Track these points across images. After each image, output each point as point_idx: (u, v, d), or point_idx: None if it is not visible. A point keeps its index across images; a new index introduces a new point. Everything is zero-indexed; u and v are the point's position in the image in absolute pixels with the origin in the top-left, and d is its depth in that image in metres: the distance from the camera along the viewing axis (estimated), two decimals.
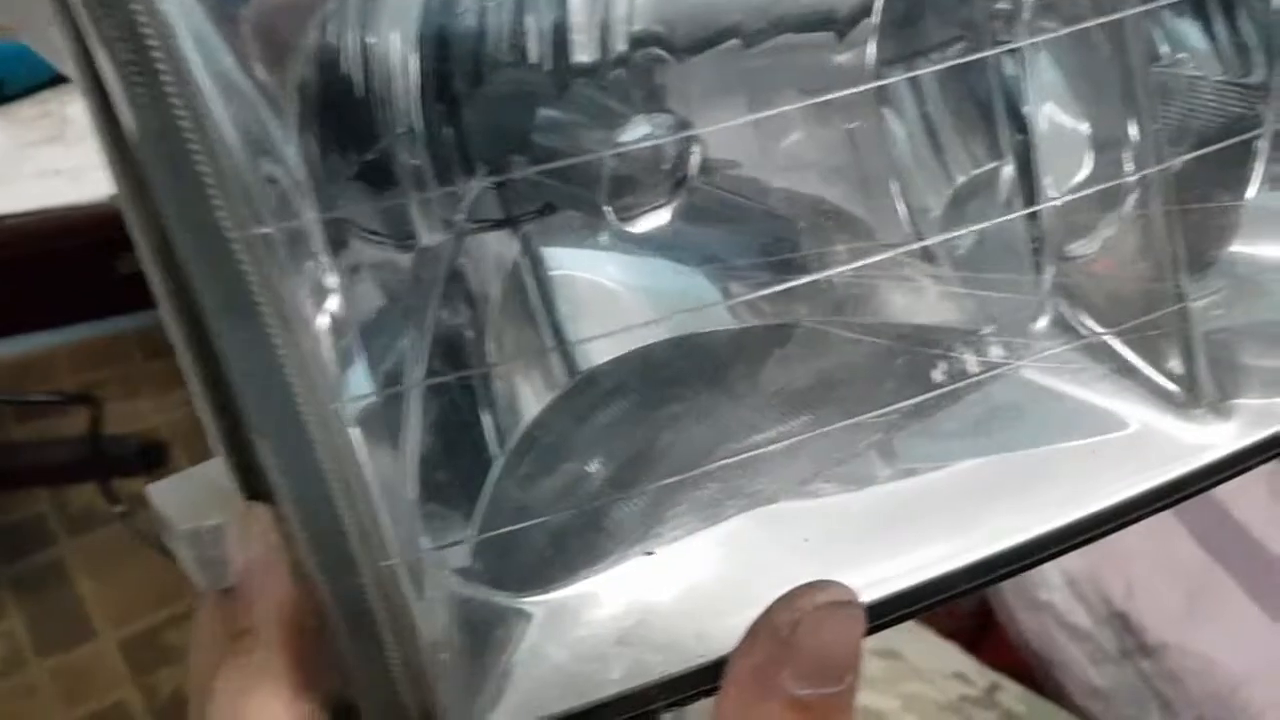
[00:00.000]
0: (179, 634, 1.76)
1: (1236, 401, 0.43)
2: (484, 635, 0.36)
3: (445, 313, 0.40)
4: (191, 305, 0.33)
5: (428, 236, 0.44)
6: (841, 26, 0.42)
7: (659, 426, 0.38)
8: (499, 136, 0.46)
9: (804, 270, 0.40)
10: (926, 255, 0.48)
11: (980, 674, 1.24)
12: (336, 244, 0.38)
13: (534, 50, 0.45)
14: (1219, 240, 0.47)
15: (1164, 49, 0.53)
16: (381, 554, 0.33)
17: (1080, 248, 0.43)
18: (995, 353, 0.40)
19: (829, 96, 0.40)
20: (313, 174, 0.32)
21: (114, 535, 1.83)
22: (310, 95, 0.37)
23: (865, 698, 1.14)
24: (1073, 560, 1.25)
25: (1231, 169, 0.48)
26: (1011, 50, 0.43)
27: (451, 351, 0.39)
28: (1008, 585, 1.30)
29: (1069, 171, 0.45)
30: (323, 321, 0.32)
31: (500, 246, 0.43)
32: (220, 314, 0.31)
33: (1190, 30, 0.54)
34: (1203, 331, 0.43)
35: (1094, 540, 0.41)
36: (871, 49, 0.42)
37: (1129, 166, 0.41)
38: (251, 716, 0.34)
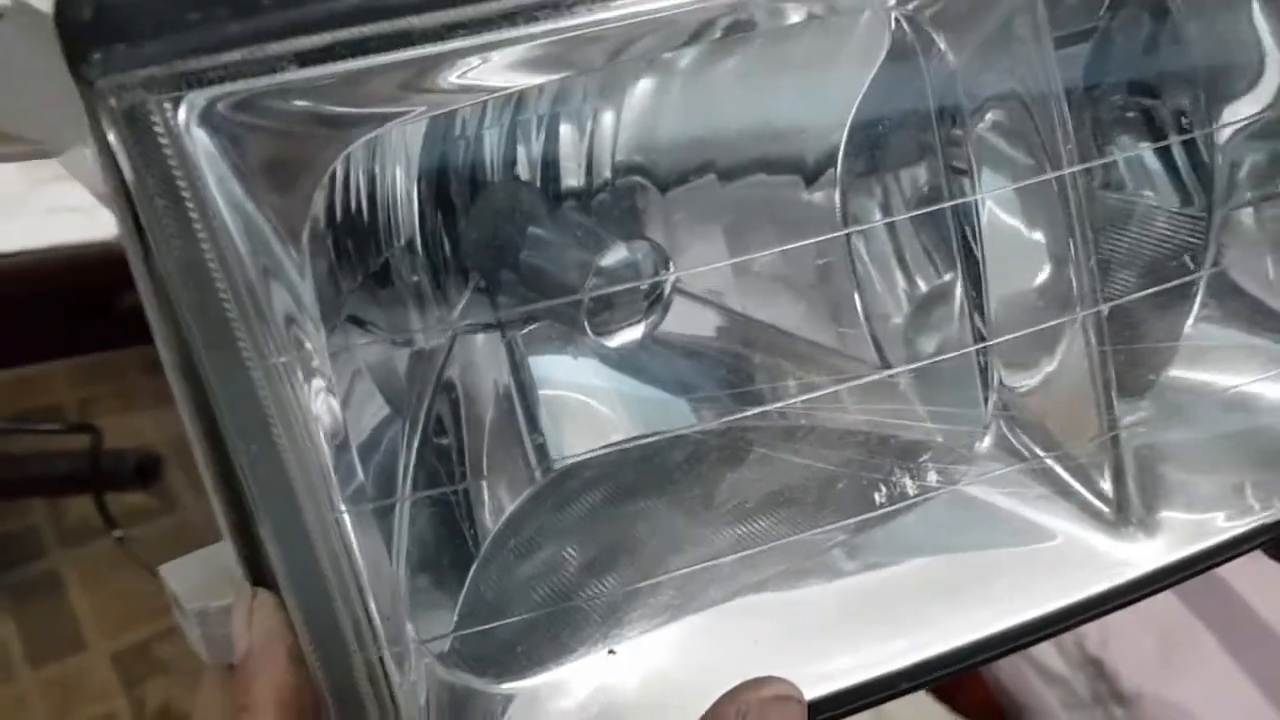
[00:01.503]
0: (170, 647, 1.78)
1: (1163, 518, 0.46)
2: (461, 716, 0.39)
3: (436, 421, 0.44)
4: (208, 411, 0.37)
5: (425, 339, 0.48)
6: (809, 174, 0.46)
7: (622, 528, 0.42)
8: (492, 248, 0.50)
9: (758, 400, 0.43)
10: (885, 365, 0.52)
11: None
12: (341, 350, 0.43)
13: (524, 171, 0.50)
14: (1158, 365, 0.51)
15: (1126, 176, 0.58)
16: (371, 644, 0.37)
17: (1022, 380, 0.46)
18: (932, 477, 0.44)
19: (797, 244, 0.44)
20: (322, 302, 0.36)
21: (108, 549, 1.86)
22: (321, 220, 0.41)
23: None
24: None
25: (1174, 299, 0.52)
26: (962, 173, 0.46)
27: (441, 456, 0.43)
28: None
29: (1025, 278, 0.48)
30: (326, 437, 0.35)
31: (489, 356, 0.47)
32: (234, 426, 0.35)
33: (1151, 160, 0.57)
34: (1133, 449, 0.47)
35: (1026, 646, 0.44)
36: (836, 197, 0.46)
37: (1068, 302, 0.45)
38: None
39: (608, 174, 0.49)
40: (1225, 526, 0.47)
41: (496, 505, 0.43)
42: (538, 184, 0.50)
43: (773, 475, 0.43)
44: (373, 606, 0.36)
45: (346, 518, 0.36)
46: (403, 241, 0.48)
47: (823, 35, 0.47)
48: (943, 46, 0.44)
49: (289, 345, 0.34)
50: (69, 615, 1.86)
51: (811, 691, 0.40)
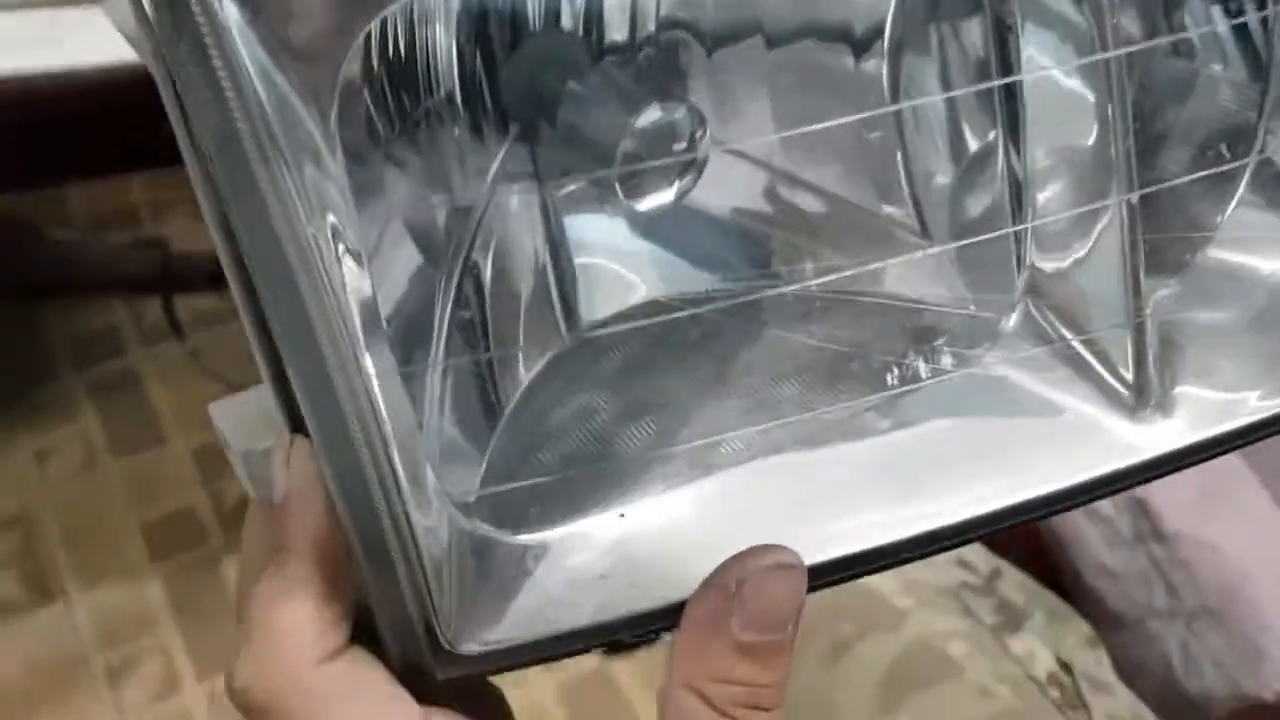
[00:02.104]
0: None
1: (1183, 400, 0.47)
2: (481, 563, 0.42)
3: (473, 281, 0.45)
4: (243, 263, 0.38)
5: (463, 193, 0.49)
6: (857, 42, 0.46)
7: (635, 400, 0.44)
8: (531, 99, 0.50)
9: (775, 279, 0.44)
10: (924, 231, 0.52)
11: (985, 560, 1.29)
12: (375, 204, 0.44)
13: (568, 21, 0.49)
14: (1195, 244, 0.50)
15: (1197, 41, 0.55)
16: (397, 499, 0.39)
17: (1052, 261, 0.46)
18: (946, 360, 0.45)
19: (843, 120, 0.44)
20: (359, 159, 0.36)
21: (185, 351, 1.93)
22: (357, 78, 0.42)
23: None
24: None
25: (1220, 180, 0.51)
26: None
27: (473, 321, 0.45)
28: None
29: (1067, 149, 0.48)
30: (355, 305, 0.37)
31: (524, 215, 0.48)
32: (266, 290, 0.37)
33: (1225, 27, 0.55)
34: (1159, 330, 0.47)
35: (1035, 519, 0.46)
36: (884, 68, 0.45)
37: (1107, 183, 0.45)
38: (284, 619, 0.41)
39: (652, 28, 0.49)
40: (1253, 408, 0.47)
41: (525, 368, 0.45)
42: (580, 34, 0.50)
43: (785, 355, 0.44)
44: (399, 465, 0.38)
45: (374, 382, 0.37)
46: (443, 93, 0.48)
47: None
48: None
49: (317, 215, 0.36)
50: (150, 411, 1.94)
51: (823, 554, 0.42)
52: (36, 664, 1.64)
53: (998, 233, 0.45)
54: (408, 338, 0.41)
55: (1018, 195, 0.49)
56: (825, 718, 0.94)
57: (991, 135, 0.50)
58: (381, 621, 0.41)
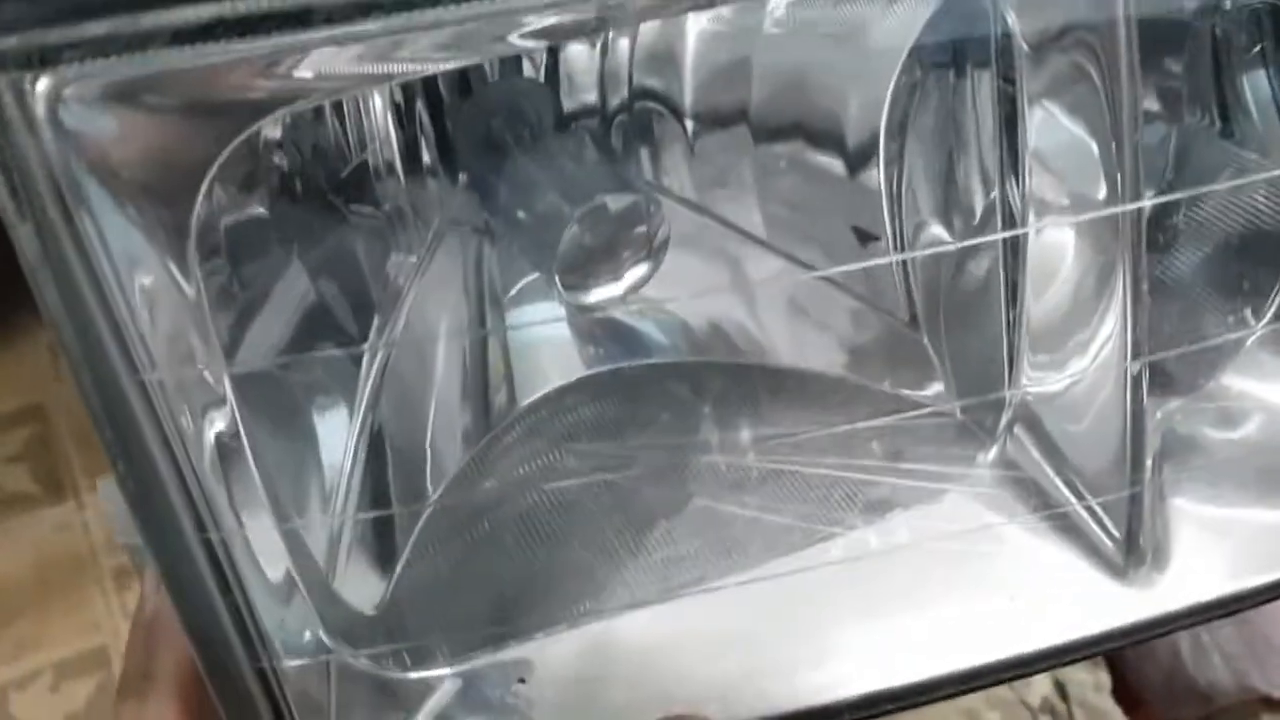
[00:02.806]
0: None
1: (1178, 562, 0.41)
2: (361, 708, 0.38)
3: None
4: None
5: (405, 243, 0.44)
6: (850, 155, 0.40)
7: (538, 561, 0.39)
8: (483, 152, 0.44)
9: (705, 446, 0.39)
10: (914, 322, 0.47)
11: None
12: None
13: (529, 68, 0.44)
14: (1208, 368, 0.44)
15: (1255, 112, 0.48)
16: (263, 653, 0.35)
17: (1048, 373, 0.40)
18: (902, 535, 0.39)
19: (852, 267, 0.38)
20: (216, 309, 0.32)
21: None
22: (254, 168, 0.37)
23: None
24: None
25: (1241, 293, 0.45)
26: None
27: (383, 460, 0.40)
28: None
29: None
30: (210, 455, 0.32)
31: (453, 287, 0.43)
32: (106, 436, 0.32)
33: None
34: (1157, 481, 0.41)
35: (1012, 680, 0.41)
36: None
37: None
38: None
39: (625, 94, 0.43)
40: (1250, 574, 0.41)
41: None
42: (542, 82, 0.44)
43: (712, 526, 0.39)
44: (263, 620, 0.34)
45: (238, 537, 0.33)
46: (378, 149, 0.43)
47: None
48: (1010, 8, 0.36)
49: (169, 360, 0.31)
50: None
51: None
52: (46, 558, 1.64)
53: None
54: (297, 491, 0.37)
55: (1014, 294, 0.43)
56: None
57: (990, 216, 0.44)
58: None
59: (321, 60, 0.29)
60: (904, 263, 0.47)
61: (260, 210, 0.36)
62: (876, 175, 0.41)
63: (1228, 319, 0.44)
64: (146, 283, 0.30)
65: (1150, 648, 1.22)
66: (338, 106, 0.41)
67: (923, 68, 0.43)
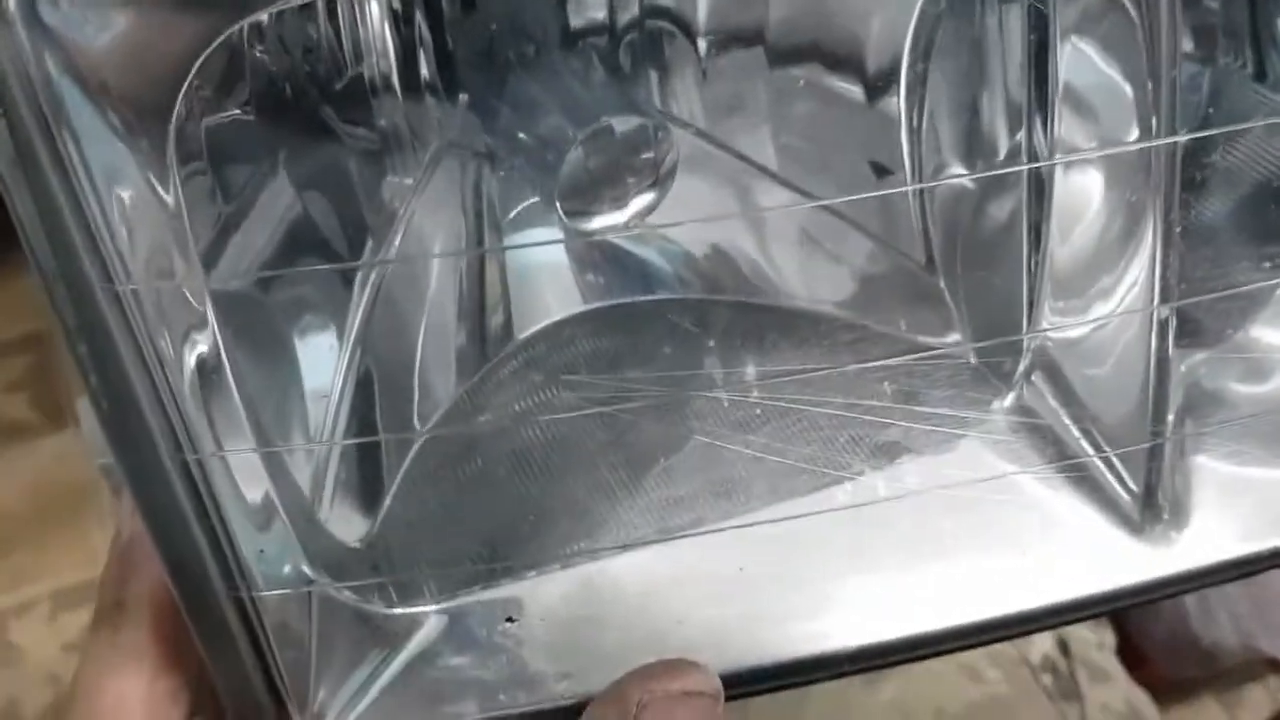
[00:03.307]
0: None
1: (1199, 520, 0.40)
2: (345, 640, 0.37)
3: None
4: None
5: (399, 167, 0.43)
6: (869, 80, 0.38)
7: (533, 496, 0.38)
8: (485, 68, 0.42)
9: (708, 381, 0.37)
10: (930, 264, 0.45)
11: None
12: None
13: None
14: (1238, 317, 0.43)
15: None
16: (241, 583, 0.33)
17: (1069, 323, 0.39)
18: (911, 481, 0.38)
19: (862, 196, 0.36)
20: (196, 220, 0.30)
21: None
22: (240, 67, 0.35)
23: None
24: None
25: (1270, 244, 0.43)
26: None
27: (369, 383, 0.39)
28: None
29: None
30: (190, 372, 0.31)
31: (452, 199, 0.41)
32: (81, 350, 0.30)
33: None
34: (1178, 439, 0.40)
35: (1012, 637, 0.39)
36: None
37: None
38: (111, 692, 0.36)
39: (635, 11, 0.41)
40: (1271, 535, 0.40)
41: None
42: (549, 3, 0.42)
43: (713, 465, 0.38)
44: (242, 548, 0.33)
45: (217, 459, 0.31)
46: (374, 62, 0.41)
47: None
48: None
49: (146, 272, 0.29)
50: None
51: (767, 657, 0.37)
52: (45, 487, 1.64)
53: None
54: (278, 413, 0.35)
55: (1038, 237, 0.41)
56: (799, 693, 0.90)
57: (1016, 141, 0.42)
58: (224, 693, 0.36)
59: None
60: (922, 202, 0.45)
61: (245, 116, 0.34)
62: (897, 104, 0.39)
63: (1262, 265, 0.42)
64: (123, 188, 0.29)
65: (1156, 607, 1.21)
66: (332, 13, 0.39)
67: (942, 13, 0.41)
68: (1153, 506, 0.38)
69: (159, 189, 0.29)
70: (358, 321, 0.39)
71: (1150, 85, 0.36)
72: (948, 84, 0.42)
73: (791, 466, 0.37)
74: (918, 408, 0.39)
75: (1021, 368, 0.40)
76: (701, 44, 0.40)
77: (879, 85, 0.39)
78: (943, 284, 0.44)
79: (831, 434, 0.38)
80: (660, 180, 0.40)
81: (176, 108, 0.28)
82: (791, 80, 0.39)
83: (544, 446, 0.38)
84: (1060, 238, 0.40)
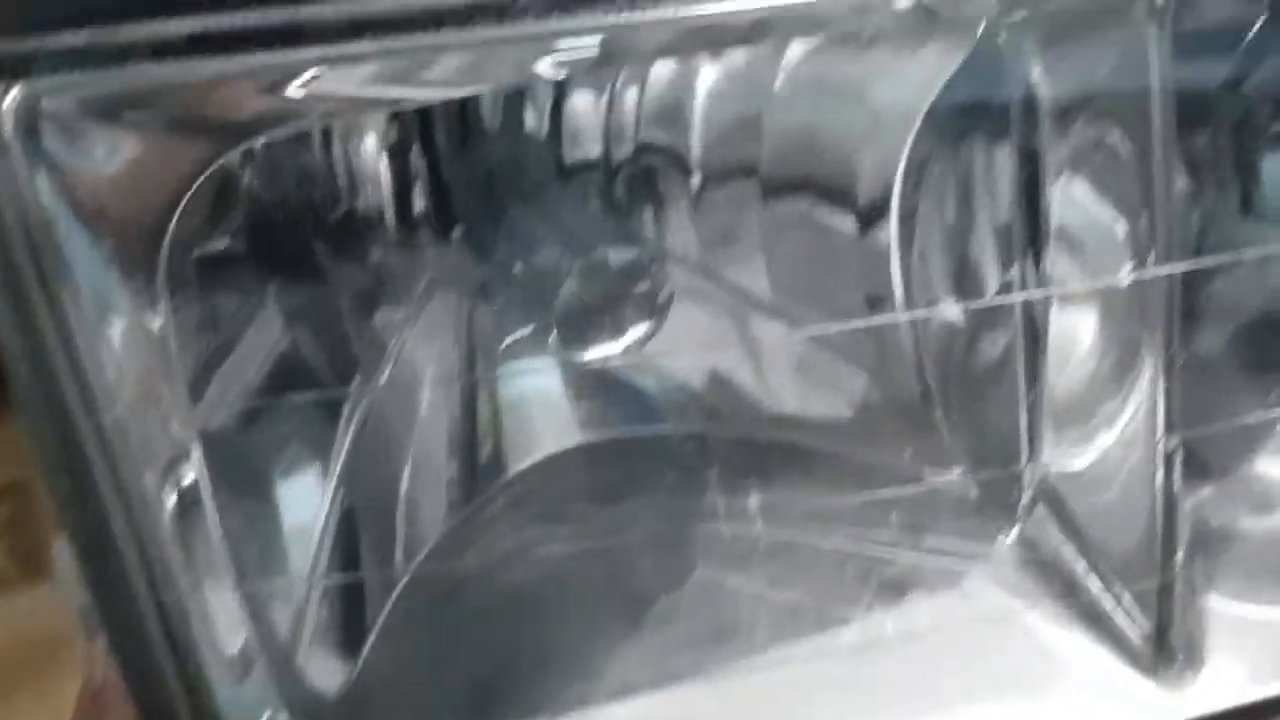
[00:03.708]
0: None
1: (1212, 660, 0.38)
2: None
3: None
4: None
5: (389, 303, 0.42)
6: (861, 212, 0.38)
7: (526, 645, 0.36)
8: (479, 204, 0.42)
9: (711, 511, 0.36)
10: (927, 392, 0.44)
11: None
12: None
13: (531, 121, 0.42)
14: (1240, 450, 0.42)
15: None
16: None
17: (1071, 449, 0.38)
18: (922, 620, 0.36)
19: (857, 323, 0.36)
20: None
21: None
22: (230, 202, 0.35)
23: None
24: None
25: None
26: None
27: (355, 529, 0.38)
28: None
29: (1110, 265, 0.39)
30: (172, 513, 0.30)
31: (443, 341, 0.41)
32: (49, 477, 0.29)
33: None
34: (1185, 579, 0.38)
35: None
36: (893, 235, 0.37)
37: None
38: None
39: (630, 148, 0.41)
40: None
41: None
42: (544, 139, 0.43)
43: (714, 604, 0.36)
44: (217, 694, 0.31)
45: (194, 600, 0.30)
46: (368, 194, 0.41)
47: (896, 40, 0.37)
48: (1030, 53, 0.34)
49: (131, 402, 0.28)
50: None
51: None
52: (18, 638, 1.60)
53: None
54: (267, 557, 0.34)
55: (1034, 364, 0.41)
56: None
57: (1010, 278, 0.42)
58: None
59: (311, 81, 0.27)
60: (915, 335, 0.45)
61: (236, 247, 0.34)
62: (888, 235, 0.39)
63: (1263, 398, 0.42)
64: (111, 314, 0.28)
65: None
66: (327, 145, 0.39)
67: (940, 132, 0.41)
68: (1165, 648, 0.37)
69: (148, 317, 0.28)
70: (343, 457, 0.38)
71: (1147, 218, 0.36)
72: (938, 223, 0.42)
73: (796, 604, 0.36)
74: (924, 540, 0.38)
75: (1025, 500, 0.39)
76: (695, 178, 0.40)
77: (871, 216, 0.39)
78: (940, 415, 0.43)
79: (837, 569, 0.37)
80: (656, 311, 0.39)
81: (168, 235, 0.27)
82: (784, 213, 0.39)
83: (537, 584, 0.36)
84: (1057, 372, 0.40)
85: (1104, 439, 0.38)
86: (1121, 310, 0.38)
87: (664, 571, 0.36)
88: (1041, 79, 0.37)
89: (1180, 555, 0.37)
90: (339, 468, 0.39)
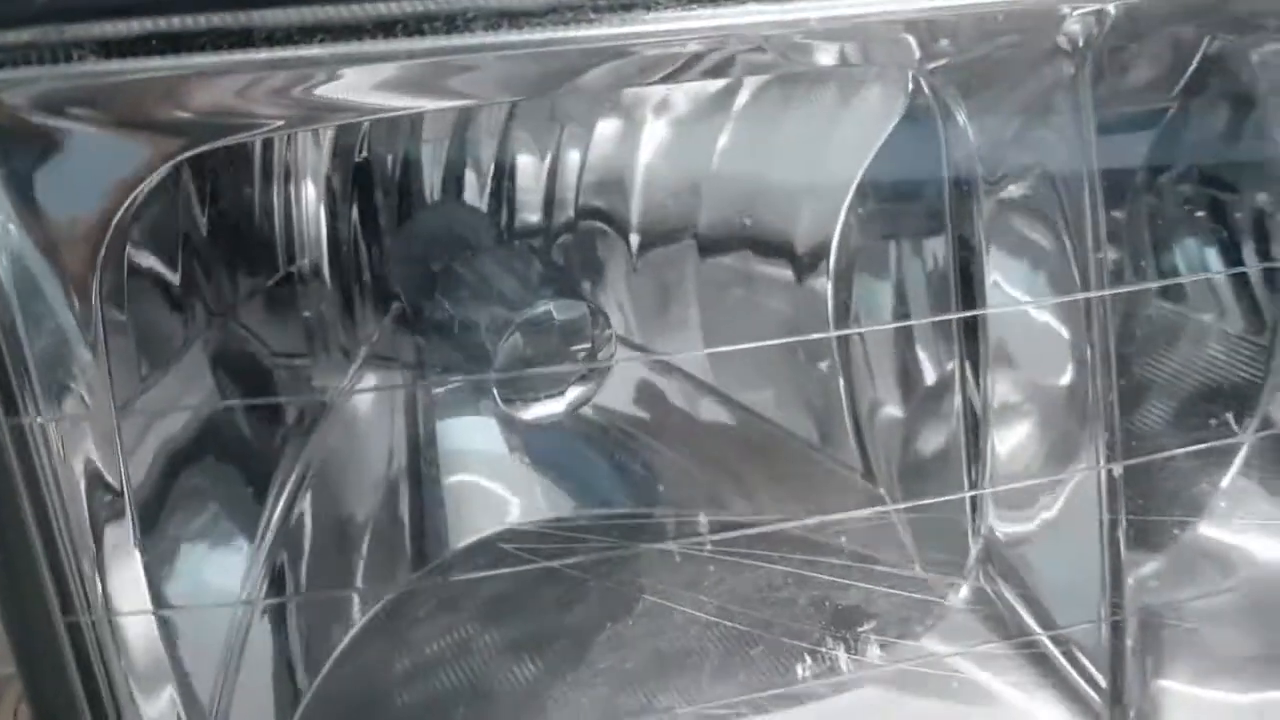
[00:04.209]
0: None
1: (1163, 701, 0.38)
2: None
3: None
4: None
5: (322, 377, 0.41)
6: (800, 260, 0.39)
7: (471, 678, 0.35)
8: (419, 277, 0.42)
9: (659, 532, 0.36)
10: (868, 472, 0.44)
11: None
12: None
13: (472, 193, 0.42)
14: (1183, 519, 0.42)
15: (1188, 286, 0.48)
16: None
17: (1015, 524, 0.38)
18: (874, 652, 0.35)
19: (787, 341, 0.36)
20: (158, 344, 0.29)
21: None
22: (173, 236, 0.34)
23: None
24: None
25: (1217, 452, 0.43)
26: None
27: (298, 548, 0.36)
28: None
29: (1045, 374, 0.40)
30: (91, 514, 0.28)
31: (383, 416, 0.40)
32: None
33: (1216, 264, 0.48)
34: (1137, 626, 0.38)
35: None
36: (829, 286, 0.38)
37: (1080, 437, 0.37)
38: None
39: (571, 213, 0.42)
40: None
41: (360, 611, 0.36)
42: (485, 211, 0.43)
43: (664, 632, 0.35)
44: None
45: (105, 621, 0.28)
46: (306, 263, 0.41)
47: (833, 92, 0.38)
48: (962, 118, 0.35)
49: (52, 405, 0.27)
50: None
51: None
52: None
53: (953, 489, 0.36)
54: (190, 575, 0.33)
55: (975, 436, 0.41)
56: None
57: (950, 366, 0.42)
58: None
59: (258, 85, 0.27)
60: (856, 424, 0.44)
61: (170, 279, 0.33)
62: (825, 283, 0.39)
63: (1196, 463, 0.42)
64: (43, 316, 0.27)
65: None
66: (267, 183, 0.39)
67: (873, 208, 0.42)
68: (1120, 688, 0.36)
69: (81, 321, 0.28)
70: (272, 528, 0.37)
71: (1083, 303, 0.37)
72: (875, 335, 0.43)
73: (747, 633, 0.34)
74: (876, 568, 0.37)
75: (972, 559, 0.39)
76: (634, 239, 0.40)
77: (808, 263, 0.39)
78: (883, 492, 0.43)
79: (791, 595, 0.36)
80: (596, 372, 0.39)
81: (107, 237, 0.27)
82: (721, 268, 0.39)
83: (481, 621, 0.35)
84: (1000, 454, 0.40)
85: (1049, 505, 0.38)
86: (1062, 399, 0.38)
87: (613, 597, 0.35)
88: (975, 144, 0.38)
89: (1128, 597, 0.36)
90: (267, 540, 0.38)
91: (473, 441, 0.40)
